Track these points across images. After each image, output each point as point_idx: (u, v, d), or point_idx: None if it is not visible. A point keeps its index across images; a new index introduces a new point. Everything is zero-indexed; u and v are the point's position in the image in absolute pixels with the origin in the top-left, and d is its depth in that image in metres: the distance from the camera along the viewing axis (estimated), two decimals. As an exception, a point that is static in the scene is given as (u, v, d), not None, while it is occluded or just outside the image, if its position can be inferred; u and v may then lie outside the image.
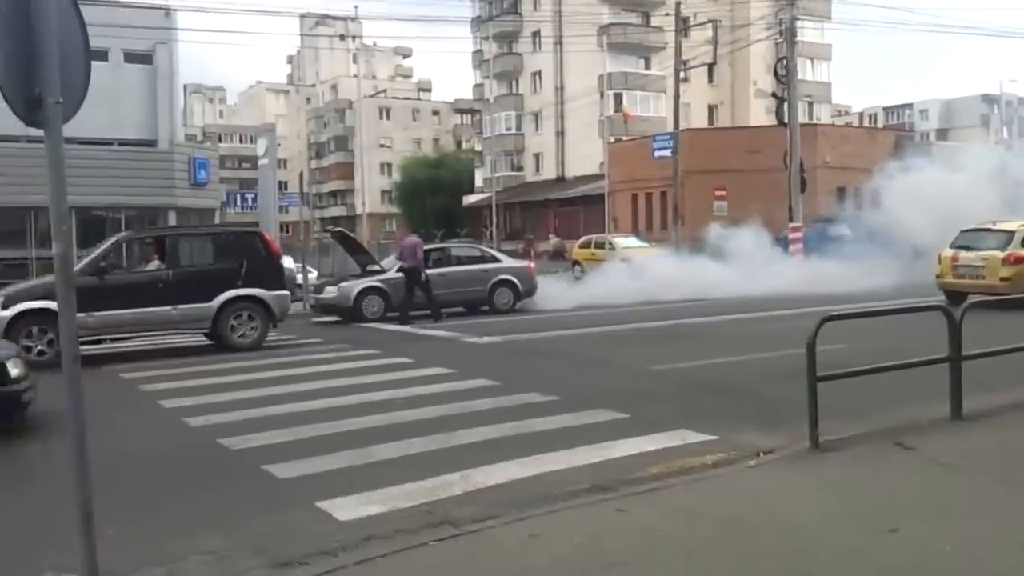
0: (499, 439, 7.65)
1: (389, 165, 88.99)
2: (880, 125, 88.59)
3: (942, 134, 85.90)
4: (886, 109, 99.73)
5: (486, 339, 15.47)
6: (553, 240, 43.36)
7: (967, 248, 17.44)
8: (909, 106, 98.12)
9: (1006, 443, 6.76)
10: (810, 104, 56.44)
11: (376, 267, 20.66)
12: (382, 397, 9.77)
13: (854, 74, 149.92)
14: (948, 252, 17.73)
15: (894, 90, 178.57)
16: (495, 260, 21.82)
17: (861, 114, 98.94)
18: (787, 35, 28.62)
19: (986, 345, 8.01)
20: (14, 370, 8.12)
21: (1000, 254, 16.76)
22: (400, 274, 19.52)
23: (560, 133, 63.36)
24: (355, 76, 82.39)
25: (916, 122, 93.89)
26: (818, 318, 6.75)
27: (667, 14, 47.14)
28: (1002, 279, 16.34)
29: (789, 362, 8.96)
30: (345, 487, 6.29)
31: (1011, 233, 17.08)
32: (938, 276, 17.74)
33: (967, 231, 18.03)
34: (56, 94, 3.65)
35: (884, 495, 5.49)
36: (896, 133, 61.52)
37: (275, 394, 10.21)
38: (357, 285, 19.77)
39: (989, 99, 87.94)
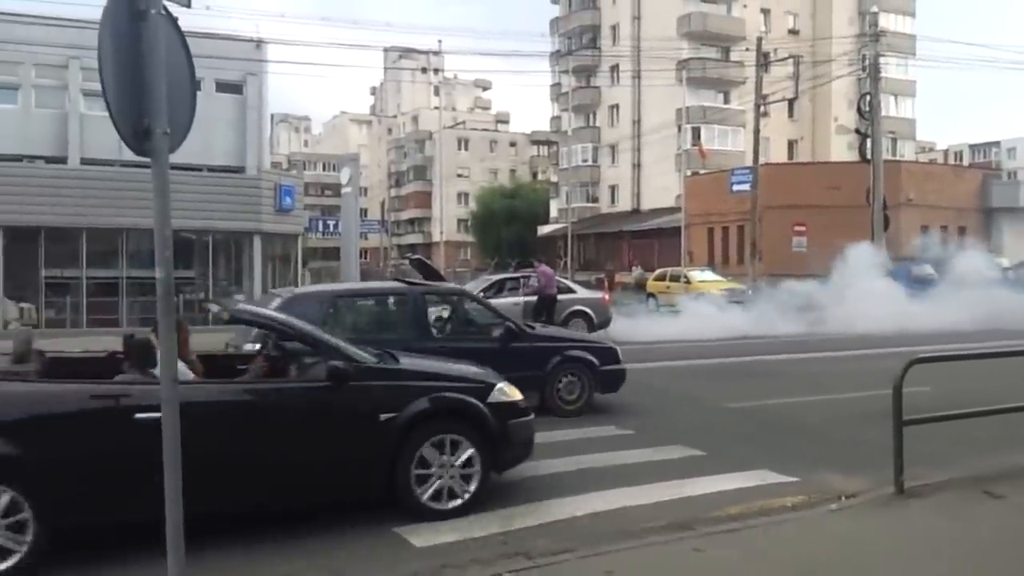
0: (574, 471, 7.62)
1: (466, 195, 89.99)
2: (966, 163, 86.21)
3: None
4: (972, 146, 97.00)
5: (560, 370, 15.42)
6: (636, 272, 43.12)
7: None
8: (996, 144, 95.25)
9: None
10: (893, 140, 55.29)
11: (452, 295, 20.84)
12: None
13: (939, 110, 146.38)
14: None
15: (980, 127, 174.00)
16: (570, 291, 21.80)
17: (946, 151, 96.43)
18: (871, 71, 28.16)
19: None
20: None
21: None
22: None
23: (636, 165, 63.26)
24: (436, 108, 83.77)
25: (1003, 160, 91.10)
26: (905, 359, 6.58)
27: (747, 49, 46.85)
28: None
29: (873, 403, 8.75)
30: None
31: None
32: None
33: None
34: (164, 125, 3.81)
35: (971, 544, 5.31)
36: (982, 171, 59.86)
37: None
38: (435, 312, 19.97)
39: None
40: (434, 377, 6.71)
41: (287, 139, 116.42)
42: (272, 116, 61.28)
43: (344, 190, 34.56)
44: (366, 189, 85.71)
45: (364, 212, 53.65)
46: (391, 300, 11.09)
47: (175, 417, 3.87)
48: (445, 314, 11.25)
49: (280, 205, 28.82)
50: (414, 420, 6.24)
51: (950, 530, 5.64)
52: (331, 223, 47.21)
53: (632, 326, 21.93)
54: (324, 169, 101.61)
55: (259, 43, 29.77)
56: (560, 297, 20.89)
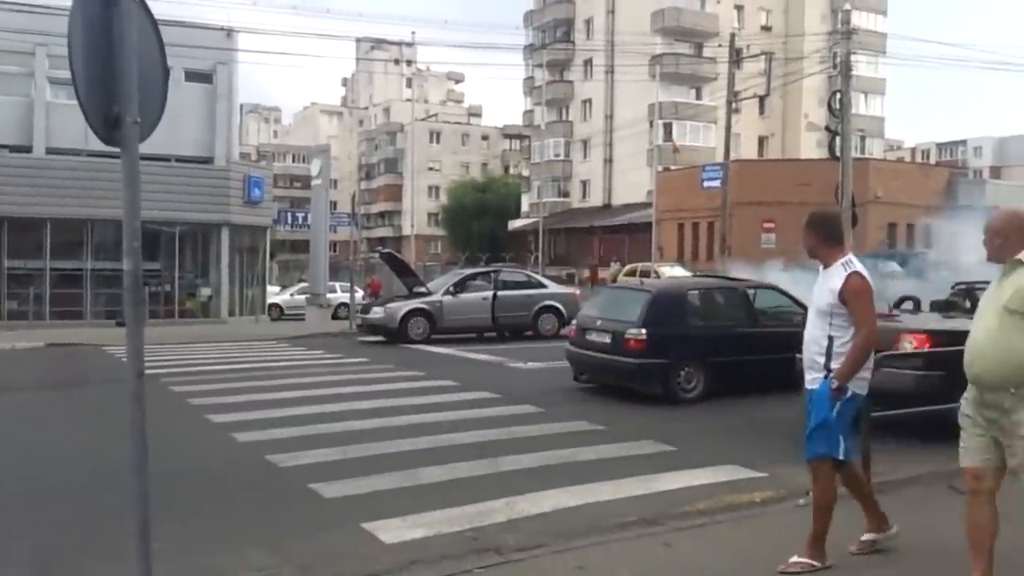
0: (545, 467, 7.63)
1: (437, 188, 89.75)
2: (933, 161, 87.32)
3: (995, 172, 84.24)
4: (939, 145, 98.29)
5: (531, 364, 15.47)
6: (613, 267, 43.32)
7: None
8: (963, 143, 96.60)
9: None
10: (862, 138, 55.84)
11: (423, 289, 20.80)
12: (428, 420, 9.81)
13: (908, 109, 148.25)
14: None
15: (948, 126, 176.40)
16: (541, 286, 21.87)
17: (914, 150, 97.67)
18: (842, 69, 28.35)
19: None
20: None
21: None
22: (447, 297, 19.92)
23: (608, 161, 63.43)
24: (408, 100, 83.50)
25: (969, 159, 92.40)
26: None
27: (720, 45, 47.11)
28: None
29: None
30: (390, 509, 6.32)
31: None
32: None
33: None
34: (134, 114, 3.73)
35: (935, 539, 5.37)
36: (949, 170, 60.66)
37: (322, 412, 10.30)
38: (403, 306, 19.92)
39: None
40: None
41: (256, 130, 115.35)
42: (241, 106, 60.68)
43: (314, 182, 34.36)
44: (336, 181, 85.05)
45: (334, 205, 53.27)
46: (726, 293, 12.72)
47: (143, 412, 3.81)
48: (762, 304, 12.60)
49: (249, 197, 28.53)
50: None
51: (915, 525, 5.69)
52: (300, 215, 46.95)
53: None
54: (294, 160, 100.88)
55: (229, 32, 29.40)
56: (531, 292, 20.96)
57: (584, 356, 12.27)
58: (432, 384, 12.90)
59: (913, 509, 6.01)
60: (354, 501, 6.63)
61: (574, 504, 6.48)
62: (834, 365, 4.80)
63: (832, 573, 4.88)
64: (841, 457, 4.90)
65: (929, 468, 6.94)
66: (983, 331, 4.20)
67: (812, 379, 4.93)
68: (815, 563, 4.87)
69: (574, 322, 13.21)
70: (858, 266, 4.88)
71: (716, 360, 11.39)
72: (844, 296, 4.78)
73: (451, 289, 20.40)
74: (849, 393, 4.80)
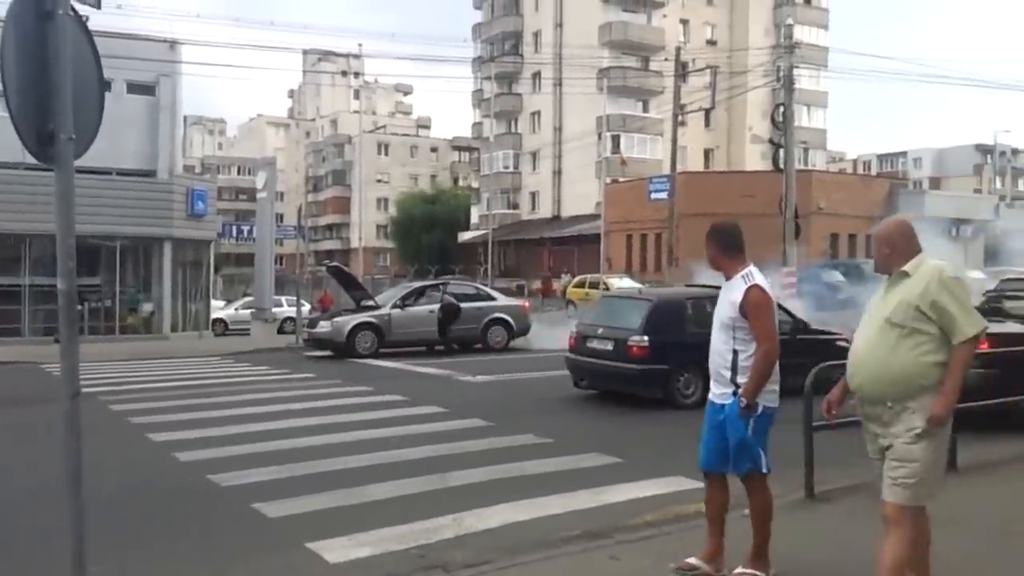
0: (493, 481, 7.61)
1: (386, 200, 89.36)
2: (874, 172, 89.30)
3: (935, 183, 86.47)
4: (880, 156, 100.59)
5: (480, 378, 15.44)
6: (564, 279, 43.53)
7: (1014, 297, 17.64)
8: (903, 154, 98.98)
9: (999, 497, 6.74)
10: (805, 150, 56.92)
11: (371, 302, 20.66)
12: (375, 436, 9.73)
13: (849, 122, 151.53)
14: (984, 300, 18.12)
15: (888, 138, 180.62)
16: (490, 298, 21.85)
17: (855, 161, 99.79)
18: (785, 82, 28.87)
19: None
20: None
21: None
22: (395, 310, 19.81)
23: (557, 173, 63.77)
24: (356, 112, 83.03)
25: (910, 170, 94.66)
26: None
27: (666, 59, 47.71)
28: None
29: (786, 410, 8.94)
30: (336, 528, 6.24)
31: None
32: None
33: (1009, 279, 18.45)
34: (69, 130, 3.64)
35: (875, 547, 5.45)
36: (890, 181, 62.01)
37: (267, 430, 10.16)
38: (351, 320, 19.75)
39: (982, 149, 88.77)
40: None
41: (201, 142, 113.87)
42: (185, 118, 59.98)
43: (259, 195, 33.98)
44: (282, 194, 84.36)
45: (280, 217, 52.81)
46: (708, 303, 12.44)
47: (77, 436, 3.71)
48: None
49: (192, 210, 28.07)
50: None
51: (858, 533, 5.78)
52: (245, 229, 46.35)
53: (552, 333, 22.05)
54: (239, 173, 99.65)
55: (173, 44, 28.99)
56: (480, 304, 20.93)
57: (585, 363, 12.67)
58: (380, 399, 12.81)
59: (858, 517, 6.10)
60: (299, 520, 6.54)
61: (522, 519, 6.47)
62: (740, 379, 4.76)
63: (776, 583, 4.93)
64: (764, 471, 4.91)
65: (872, 477, 7.05)
66: (864, 342, 4.14)
67: (720, 393, 4.90)
68: (760, 573, 4.91)
69: (573, 330, 13.47)
70: (759, 279, 4.83)
71: (700, 369, 11.71)
72: (744, 310, 4.74)
73: (399, 302, 20.29)
74: (760, 409, 4.77)
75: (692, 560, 5.00)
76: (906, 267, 4.06)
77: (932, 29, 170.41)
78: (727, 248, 4.97)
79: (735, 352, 4.80)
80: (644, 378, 11.70)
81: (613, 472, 7.91)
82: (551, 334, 21.86)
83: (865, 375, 4.09)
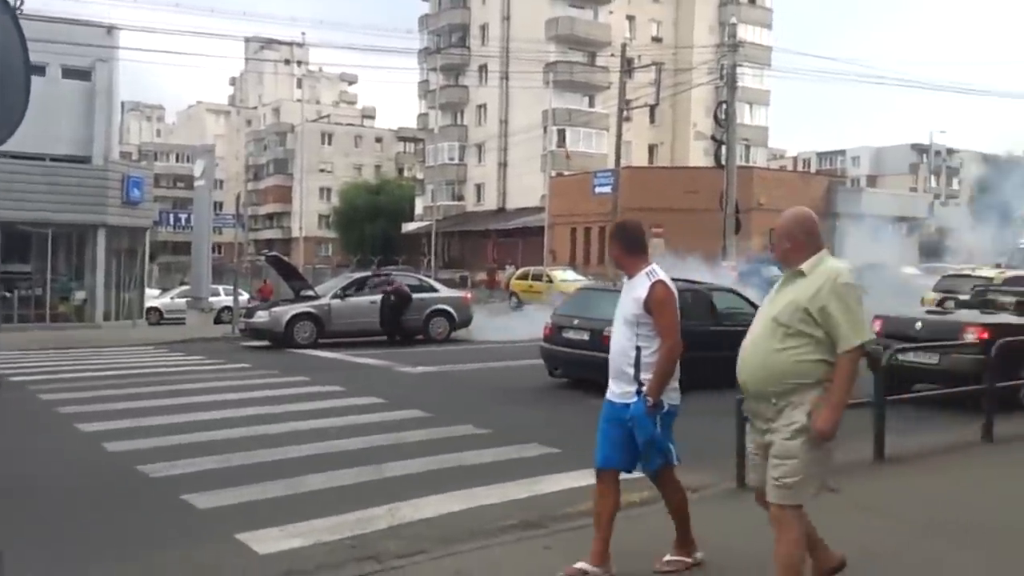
0: (430, 472, 7.55)
1: (329, 190, 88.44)
2: (813, 170, 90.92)
3: (872, 180, 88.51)
4: (819, 154, 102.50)
5: (420, 369, 15.34)
6: (508, 271, 43.57)
7: (952, 292, 18.22)
8: (842, 152, 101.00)
9: (928, 487, 6.88)
10: (747, 147, 57.68)
11: (310, 292, 20.39)
12: (310, 426, 9.60)
13: (791, 120, 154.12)
14: (932, 295, 19.01)
15: (828, 137, 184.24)
16: (432, 289, 21.72)
17: (795, 158, 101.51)
18: (728, 80, 29.23)
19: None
20: None
21: None
22: (336, 300, 19.60)
23: (503, 165, 63.72)
24: (299, 100, 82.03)
25: (848, 168, 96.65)
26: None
27: (612, 55, 47.93)
28: None
29: (722, 402, 9.02)
30: (268, 519, 6.13)
31: (990, 279, 18.16)
32: None
33: (950, 276, 19.47)
34: (-9, 117, 3.49)
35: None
36: (829, 178, 63.21)
37: (199, 420, 9.96)
38: (289, 310, 19.47)
39: (919, 148, 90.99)
40: None
41: (138, 128, 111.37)
42: (122, 104, 58.62)
43: (197, 182, 33.37)
44: (222, 182, 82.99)
45: (219, 205, 51.96)
46: (693, 294, 12.75)
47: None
48: (721, 305, 13.18)
49: (128, 197, 27.45)
50: None
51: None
52: (183, 216, 45.48)
53: (493, 324, 22.07)
54: (177, 160, 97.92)
55: (110, 28, 28.32)
56: (422, 296, 20.78)
57: (560, 353, 12.83)
58: (317, 390, 12.64)
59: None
60: (229, 511, 6.41)
61: (457, 509, 6.43)
62: (644, 376, 4.76)
63: (704, 569, 4.97)
64: (676, 462, 4.99)
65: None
66: (750, 339, 4.12)
67: (622, 392, 4.87)
68: (687, 559, 4.96)
69: (548, 320, 13.56)
70: (662, 275, 4.84)
71: (686, 356, 11.66)
72: (649, 306, 4.75)
73: (340, 292, 20.08)
74: (665, 407, 4.79)
75: (582, 565, 4.92)
76: (803, 266, 4.03)
77: (872, 31, 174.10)
78: (630, 247, 4.96)
79: (638, 349, 4.79)
80: None
81: (551, 462, 7.91)
82: (493, 325, 21.89)
83: (749, 372, 4.07)
